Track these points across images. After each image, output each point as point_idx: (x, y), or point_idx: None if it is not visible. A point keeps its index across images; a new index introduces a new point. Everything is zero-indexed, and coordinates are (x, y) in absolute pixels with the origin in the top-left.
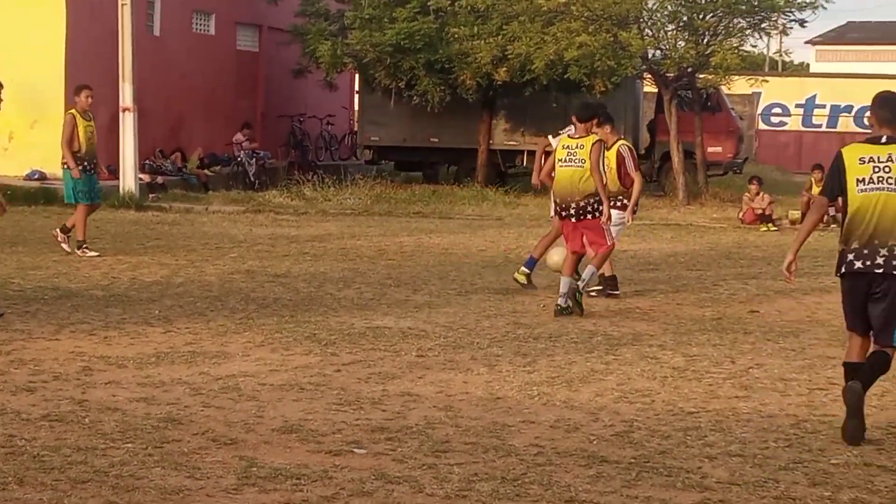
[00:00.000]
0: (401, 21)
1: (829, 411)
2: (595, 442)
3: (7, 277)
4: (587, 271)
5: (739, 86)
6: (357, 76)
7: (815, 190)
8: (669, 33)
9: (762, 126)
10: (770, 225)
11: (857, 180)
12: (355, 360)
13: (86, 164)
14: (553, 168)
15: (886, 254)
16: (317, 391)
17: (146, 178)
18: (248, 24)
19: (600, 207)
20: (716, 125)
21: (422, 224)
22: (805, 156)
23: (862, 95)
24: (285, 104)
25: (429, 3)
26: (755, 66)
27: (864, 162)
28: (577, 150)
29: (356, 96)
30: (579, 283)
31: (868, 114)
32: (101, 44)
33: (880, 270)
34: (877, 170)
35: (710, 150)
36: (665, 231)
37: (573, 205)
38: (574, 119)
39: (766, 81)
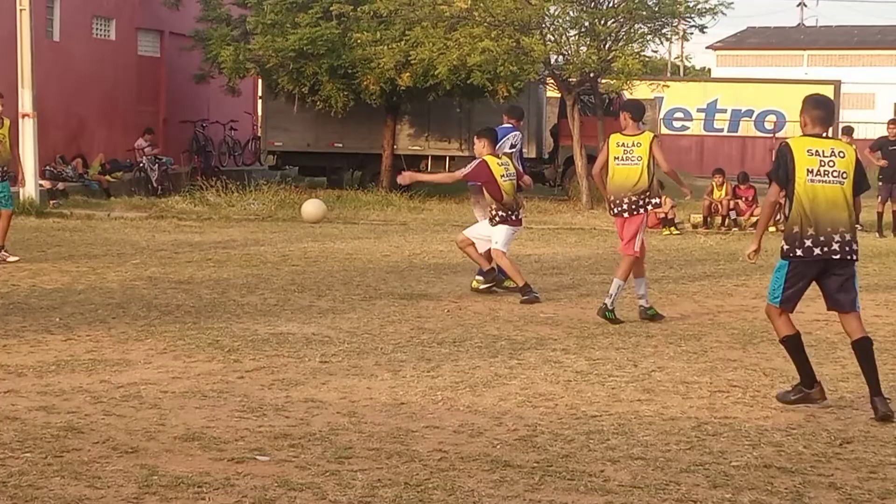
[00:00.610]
0: (303, 26)
1: (729, 413)
2: (498, 446)
3: None
4: (613, 285)
5: (641, 90)
6: (260, 81)
7: (717, 194)
8: (571, 39)
9: (664, 130)
10: (672, 229)
11: (807, 171)
12: (259, 366)
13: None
14: (605, 165)
15: (840, 240)
16: (219, 398)
17: (47, 184)
18: (149, 29)
19: (651, 201)
20: (618, 129)
21: (326, 229)
22: (707, 160)
23: (762, 100)
24: (188, 110)
25: (331, 9)
26: (657, 70)
27: (812, 154)
28: (633, 147)
29: (259, 101)
30: (606, 300)
31: (800, 115)
32: (0, 49)
33: (837, 256)
34: (822, 163)
35: None
36: (569, 235)
37: (626, 201)
38: (629, 117)
39: (668, 86)
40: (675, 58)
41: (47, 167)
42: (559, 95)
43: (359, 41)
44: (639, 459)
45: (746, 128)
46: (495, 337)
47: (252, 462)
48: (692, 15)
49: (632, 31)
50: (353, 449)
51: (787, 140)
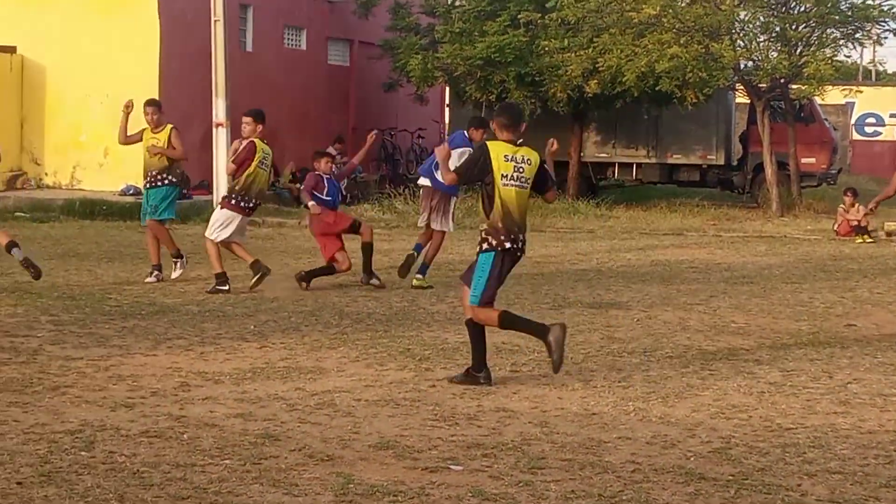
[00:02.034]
0: (491, 34)
1: None
2: (692, 458)
3: (104, 293)
4: None
5: (833, 96)
6: (447, 90)
7: None
8: (762, 44)
9: (856, 136)
10: (866, 237)
11: (502, 175)
12: (450, 375)
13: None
14: None
15: (523, 238)
16: (412, 407)
17: None
18: (339, 38)
19: None
20: (809, 136)
21: None
22: None
23: None
24: (376, 118)
25: (519, 17)
26: (849, 75)
27: (508, 160)
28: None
29: (447, 109)
30: None
31: None
32: (195, 60)
33: (520, 254)
34: (516, 168)
35: (803, 161)
36: (759, 243)
37: None
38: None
39: (860, 91)
40: (868, 62)
41: None
42: (749, 101)
43: (546, 49)
44: (836, 474)
45: None
46: (686, 347)
47: (446, 471)
48: (886, 19)
49: (824, 35)
50: (545, 459)
51: (488, 143)
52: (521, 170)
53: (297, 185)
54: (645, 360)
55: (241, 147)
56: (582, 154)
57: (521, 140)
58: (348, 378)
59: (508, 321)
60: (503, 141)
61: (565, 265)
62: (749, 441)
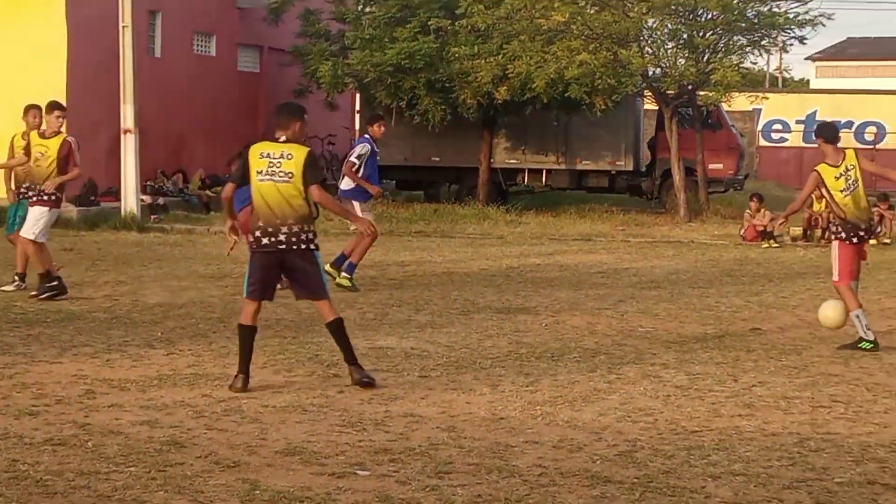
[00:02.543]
0: (401, 41)
1: (832, 429)
2: (598, 462)
3: (9, 300)
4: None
5: (740, 102)
6: (358, 96)
7: (817, 207)
8: (669, 51)
9: (763, 142)
10: (772, 241)
11: (257, 171)
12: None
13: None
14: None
15: (287, 231)
16: (320, 413)
17: (148, 199)
18: (249, 45)
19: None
20: (717, 142)
21: (423, 243)
22: (806, 172)
23: (862, 111)
24: None
25: (429, 23)
26: (755, 82)
27: (263, 157)
28: (850, 171)
29: (357, 116)
30: None
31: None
32: (103, 66)
33: (283, 247)
34: (271, 164)
35: (711, 166)
36: (667, 248)
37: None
38: (822, 141)
39: (767, 98)
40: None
41: (148, 182)
42: (657, 108)
43: (456, 55)
44: (740, 476)
45: (846, 140)
46: (594, 351)
47: (353, 477)
48: (791, 26)
49: (730, 42)
50: (453, 464)
51: (250, 146)
52: (277, 164)
53: (206, 192)
54: (553, 365)
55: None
56: (492, 160)
57: (285, 138)
58: (256, 384)
59: (245, 334)
60: (271, 140)
61: (475, 270)
62: (655, 444)
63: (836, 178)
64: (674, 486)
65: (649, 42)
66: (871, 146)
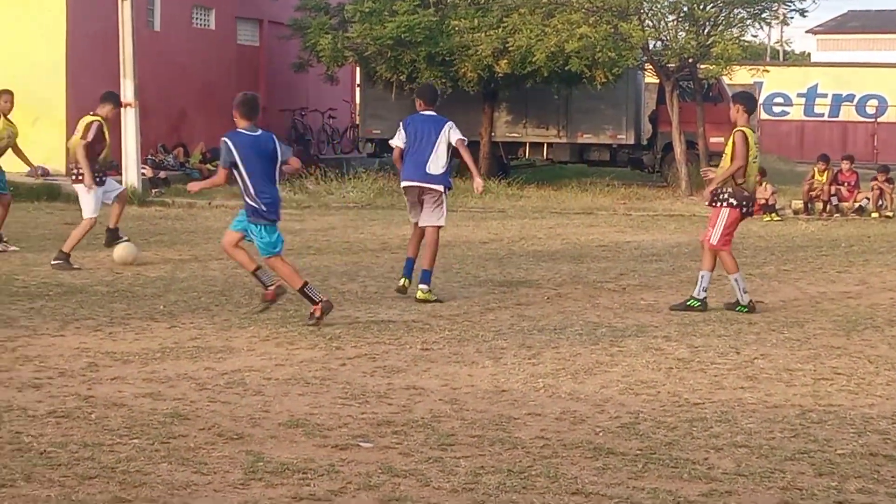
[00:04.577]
0: (401, 14)
1: (834, 401)
2: (601, 434)
3: (11, 274)
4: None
5: (741, 76)
6: (358, 70)
7: (819, 178)
8: (670, 24)
9: (764, 116)
10: (773, 215)
11: None
12: (360, 353)
13: None
14: None
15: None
16: (322, 385)
17: (149, 173)
18: (248, 18)
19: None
20: (718, 115)
21: None
22: (807, 145)
23: (863, 84)
24: (287, 98)
25: None
26: (756, 55)
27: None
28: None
29: (357, 90)
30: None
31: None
32: (102, 40)
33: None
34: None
35: (712, 140)
36: (668, 222)
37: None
38: (742, 109)
39: (768, 71)
40: (775, 42)
41: (149, 156)
42: (658, 81)
43: (456, 28)
44: (742, 447)
45: (847, 112)
46: (596, 324)
47: (356, 448)
48: None
49: (731, 15)
50: (455, 436)
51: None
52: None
53: (208, 166)
54: (555, 338)
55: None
56: (493, 134)
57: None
58: (258, 357)
59: None
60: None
61: (476, 244)
62: (657, 416)
63: (755, 144)
64: (676, 457)
65: (650, 15)
66: (873, 119)
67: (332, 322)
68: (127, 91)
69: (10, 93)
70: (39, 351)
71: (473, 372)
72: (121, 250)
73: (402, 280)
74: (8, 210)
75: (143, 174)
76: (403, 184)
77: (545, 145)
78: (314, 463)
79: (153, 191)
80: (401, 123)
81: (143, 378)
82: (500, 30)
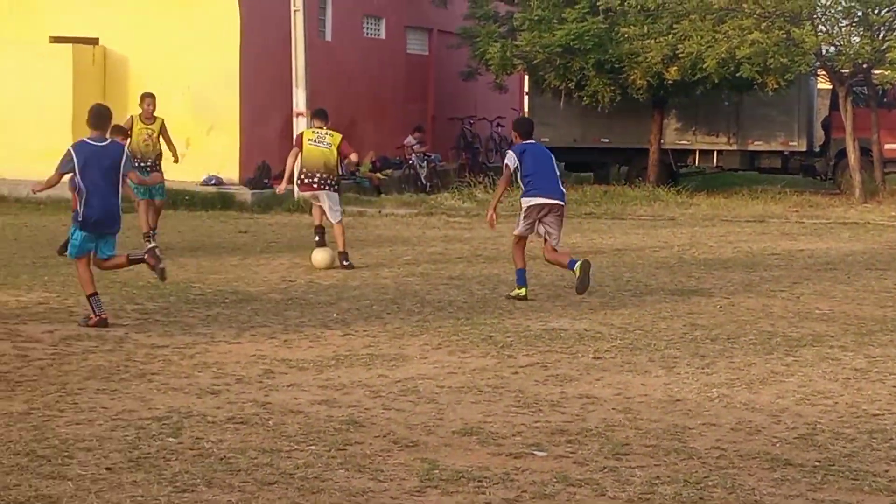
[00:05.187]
0: (570, 21)
1: None
2: (778, 445)
3: (188, 282)
4: None
5: None
6: (526, 78)
7: None
8: (843, 29)
9: None
10: None
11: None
12: (532, 362)
13: (139, 163)
14: None
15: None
16: (495, 393)
17: None
18: (417, 27)
19: None
20: (893, 121)
21: (594, 225)
22: None
23: None
24: (455, 107)
25: (598, 3)
26: None
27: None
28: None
29: (526, 98)
30: None
31: None
32: (274, 50)
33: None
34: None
35: (887, 146)
36: (842, 230)
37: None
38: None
39: None
40: None
41: None
42: (831, 87)
43: (626, 35)
44: None
45: None
46: (770, 333)
47: (530, 457)
48: None
49: None
50: (630, 445)
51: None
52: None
53: (378, 175)
54: (728, 347)
55: None
56: (662, 141)
57: None
58: (431, 365)
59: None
60: None
61: (646, 252)
62: (835, 427)
63: None
64: (856, 469)
65: (823, 20)
66: None
67: (504, 330)
68: (299, 100)
69: (151, 95)
70: (217, 358)
71: (646, 381)
72: (320, 254)
73: (522, 290)
74: (159, 214)
75: None
76: (541, 201)
77: (715, 152)
78: (489, 471)
79: None
80: (510, 151)
81: (319, 385)
82: (671, 36)
